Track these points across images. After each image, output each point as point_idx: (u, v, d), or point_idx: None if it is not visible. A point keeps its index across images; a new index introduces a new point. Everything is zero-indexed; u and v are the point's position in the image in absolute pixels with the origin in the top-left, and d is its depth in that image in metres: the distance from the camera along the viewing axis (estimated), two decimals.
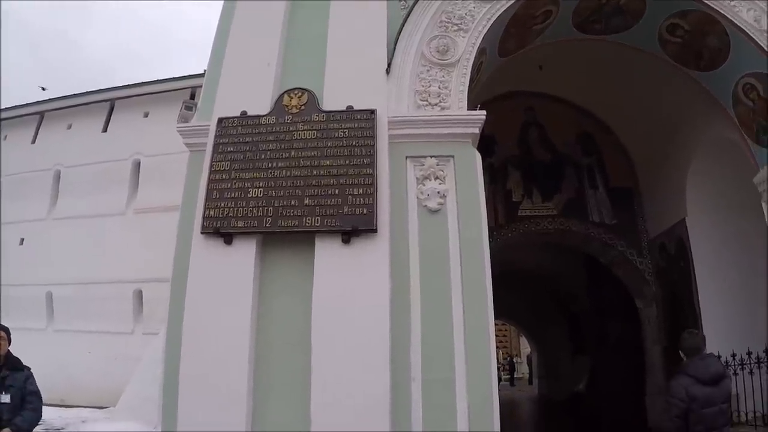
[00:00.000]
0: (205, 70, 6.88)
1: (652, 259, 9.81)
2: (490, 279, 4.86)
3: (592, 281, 12.07)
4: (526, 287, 16.26)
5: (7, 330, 5.04)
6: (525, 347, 33.49)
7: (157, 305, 13.04)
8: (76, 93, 17.84)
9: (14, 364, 5.01)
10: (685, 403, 4.60)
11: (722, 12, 6.21)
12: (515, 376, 31.79)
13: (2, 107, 19.23)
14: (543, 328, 20.18)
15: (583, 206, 9.99)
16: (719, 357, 6.67)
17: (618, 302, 10.82)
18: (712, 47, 6.86)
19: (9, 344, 5.03)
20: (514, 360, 34.19)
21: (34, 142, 18.45)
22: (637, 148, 10.07)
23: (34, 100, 18.61)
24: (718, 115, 7.52)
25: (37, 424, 5.11)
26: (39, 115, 18.57)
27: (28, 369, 5.10)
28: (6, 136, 19.10)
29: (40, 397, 5.06)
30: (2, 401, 4.75)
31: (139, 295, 14.88)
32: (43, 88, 22.02)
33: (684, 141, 8.66)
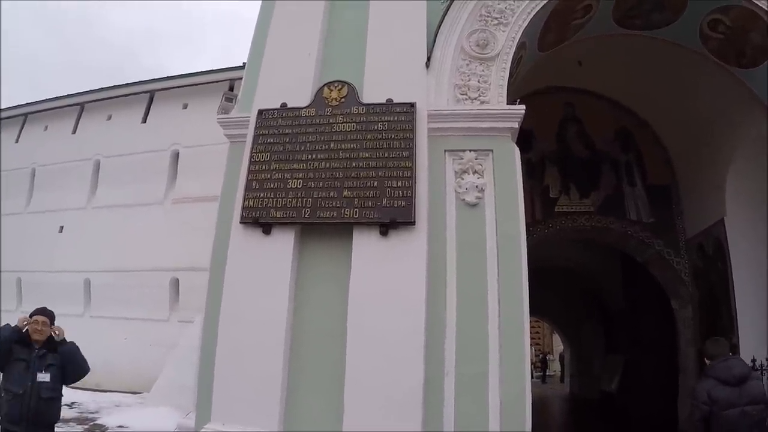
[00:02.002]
0: (244, 63, 6.98)
1: (689, 259, 9.62)
2: (527, 275, 4.83)
3: (627, 280, 11.90)
4: (561, 284, 16.13)
5: (50, 315, 5.19)
6: (558, 345, 33.30)
7: (193, 294, 13.26)
8: (115, 85, 18.23)
9: (56, 345, 5.17)
10: (707, 406, 4.57)
11: (764, 8, 6.07)
12: (547, 373, 31.60)
13: (39, 99, 19.79)
14: (576, 326, 20.01)
15: (620, 204, 9.84)
16: (754, 361, 6.60)
17: (653, 302, 10.65)
18: (755, 44, 6.71)
19: (53, 326, 5.19)
20: (547, 357, 33.93)
21: (74, 132, 18.89)
22: (676, 146, 9.90)
23: (75, 92, 19.05)
24: (759, 114, 7.37)
25: (81, 373, 5.28)
26: (79, 106, 18.99)
27: (72, 344, 5.25)
28: (47, 127, 19.56)
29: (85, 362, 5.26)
30: (41, 380, 4.91)
31: (175, 283, 15.15)
32: None
33: (724, 139, 8.48)
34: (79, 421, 9.94)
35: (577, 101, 10.20)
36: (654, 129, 10.12)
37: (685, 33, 7.32)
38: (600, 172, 10.05)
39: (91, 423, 9.89)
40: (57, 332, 5.16)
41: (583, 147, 10.18)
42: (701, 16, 6.98)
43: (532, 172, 9.69)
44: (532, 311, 4.81)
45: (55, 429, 5.30)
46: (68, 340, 5.30)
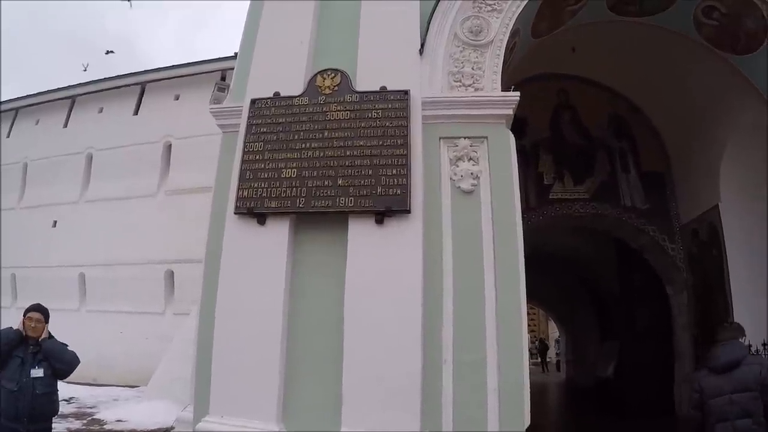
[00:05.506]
0: (236, 53, 6.92)
1: (683, 245, 9.66)
2: (523, 261, 4.81)
3: (622, 266, 11.95)
4: (556, 271, 16.14)
5: (44, 312, 5.15)
6: (554, 330, 33.29)
7: (188, 286, 13.24)
8: (106, 77, 18.10)
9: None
10: (698, 394, 4.58)
11: None
12: (547, 359, 31.53)
13: (32, 93, 19.67)
14: (571, 312, 20.13)
15: (615, 190, 9.88)
16: (750, 346, 6.60)
17: (648, 288, 10.71)
18: (749, 30, 6.72)
19: (47, 324, 5.15)
20: (546, 343, 33.64)
21: (66, 126, 18.79)
22: (671, 132, 9.92)
23: (66, 85, 18.96)
24: (753, 100, 7.40)
25: (67, 368, 5.19)
26: (70, 99, 18.90)
27: (53, 340, 5.19)
28: (38, 121, 19.45)
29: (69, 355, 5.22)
30: (34, 375, 4.89)
31: (170, 275, 15.13)
32: None
33: (718, 125, 8.49)
34: (78, 416, 9.90)
35: (570, 88, 10.20)
36: (648, 116, 10.14)
37: (679, 19, 7.32)
38: (594, 159, 10.08)
39: (90, 418, 9.86)
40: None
41: (576, 134, 10.19)
42: (696, 3, 6.98)
43: (525, 159, 9.68)
44: (528, 297, 4.79)
45: (53, 424, 5.28)
46: (61, 335, 5.29)
